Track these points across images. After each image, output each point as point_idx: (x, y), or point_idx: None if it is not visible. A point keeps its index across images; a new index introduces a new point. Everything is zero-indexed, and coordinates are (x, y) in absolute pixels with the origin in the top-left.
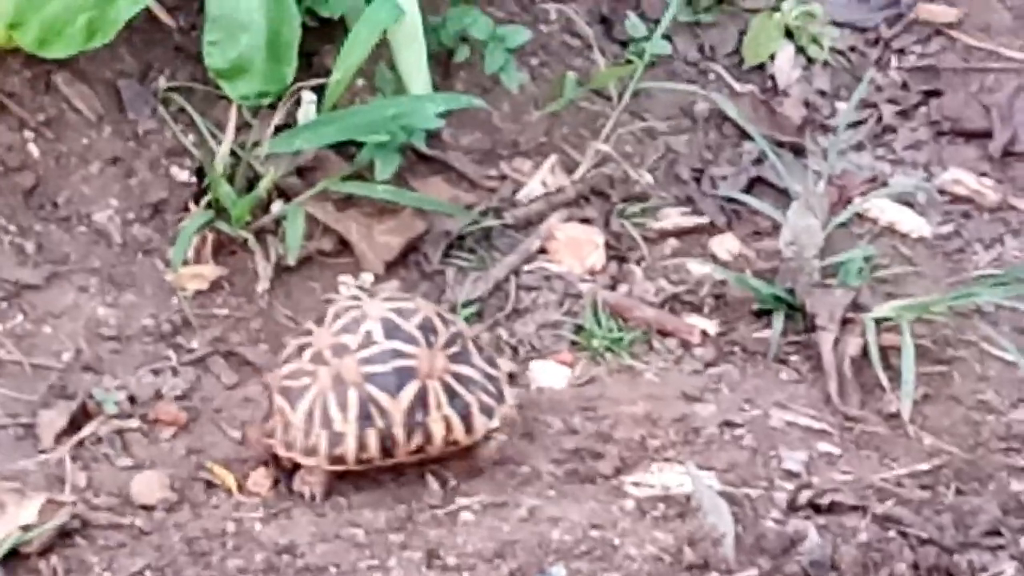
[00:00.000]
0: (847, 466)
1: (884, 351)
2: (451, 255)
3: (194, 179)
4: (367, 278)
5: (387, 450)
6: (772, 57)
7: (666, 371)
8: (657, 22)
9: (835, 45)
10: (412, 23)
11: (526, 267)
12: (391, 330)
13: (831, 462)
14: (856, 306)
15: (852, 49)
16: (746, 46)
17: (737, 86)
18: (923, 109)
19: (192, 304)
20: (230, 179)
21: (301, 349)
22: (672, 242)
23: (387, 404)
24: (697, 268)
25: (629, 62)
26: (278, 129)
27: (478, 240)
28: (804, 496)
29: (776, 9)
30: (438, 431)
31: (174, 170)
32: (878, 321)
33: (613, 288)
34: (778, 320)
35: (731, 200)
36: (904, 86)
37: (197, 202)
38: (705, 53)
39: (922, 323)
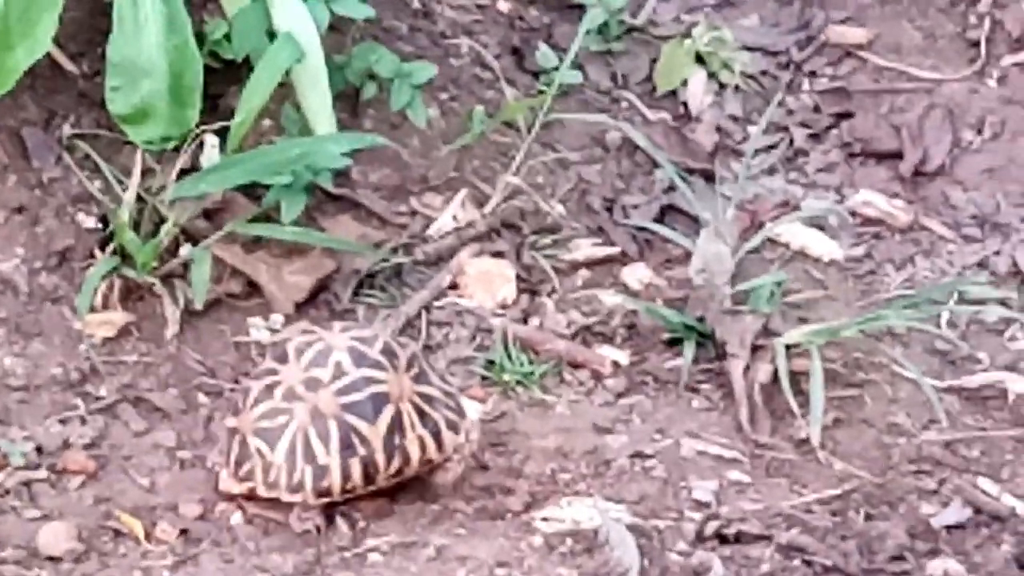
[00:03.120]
0: (757, 494)
1: (795, 376)
2: (361, 293)
3: (100, 226)
4: (277, 319)
5: (369, 477)
6: (684, 83)
7: (578, 403)
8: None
9: (746, 70)
10: (315, 63)
11: (437, 303)
12: (359, 359)
13: (741, 490)
14: (767, 332)
15: (764, 73)
16: (658, 73)
17: (649, 114)
18: (835, 131)
19: (100, 351)
20: (136, 224)
21: (270, 388)
22: (584, 273)
23: (367, 431)
24: (608, 299)
25: (541, 93)
26: (183, 173)
27: (389, 277)
28: (711, 527)
29: (687, 36)
30: (414, 452)
31: (80, 217)
32: (788, 347)
33: (525, 321)
34: (689, 349)
35: (643, 229)
36: (816, 109)
37: (104, 249)
38: (617, 81)
39: (833, 347)
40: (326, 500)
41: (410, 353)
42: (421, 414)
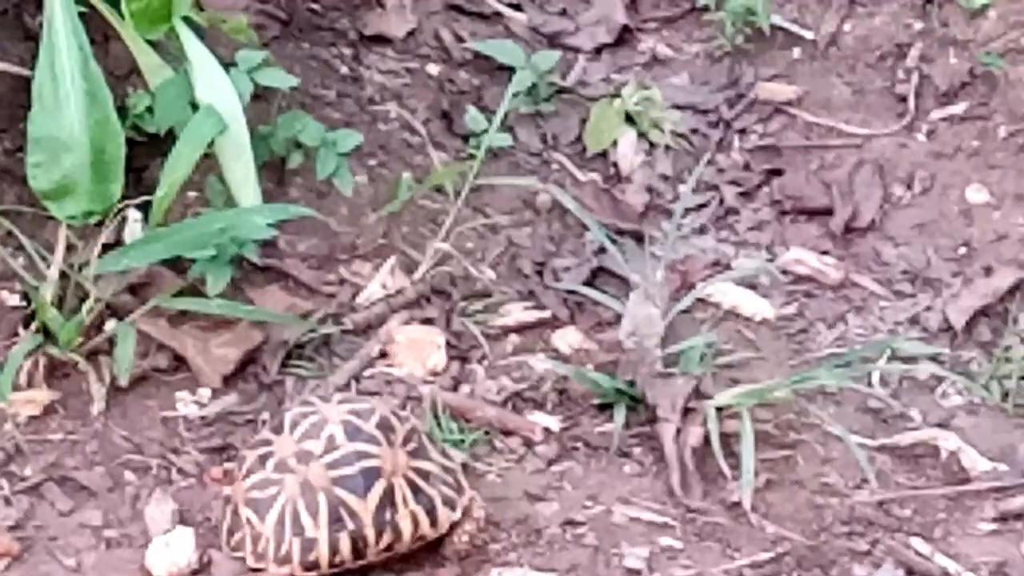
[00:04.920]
0: (688, 560)
1: (727, 438)
2: (290, 364)
3: (24, 303)
4: (205, 393)
5: (358, 552)
6: (614, 144)
7: (508, 471)
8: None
9: (676, 128)
10: (238, 134)
11: (366, 372)
12: (352, 432)
13: (672, 556)
14: (698, 394)
15: (694, 131)
16: (588, 134)
17: (580, 175)
18: (765, 189)
19: (25, 430)
20: (61, 301)
21: (263, 459)
22: (514, 338)
23: (356, 506)
24: (539, 364)
25: (471, 156)
26: (107, 248)
27: (317, 347)
28: None
29: (616, 96)
30: (406, 528)
31: (3, 295)
32: (720, 409)
33: (455, 389)
34: (619, 413)
35: (574, 292)
36: (746, 167)
37: (27, 326)
38: (547, 143)
39: (765, 408)
40: (314, 574)
41: (409, 427)
42: (415, 490)
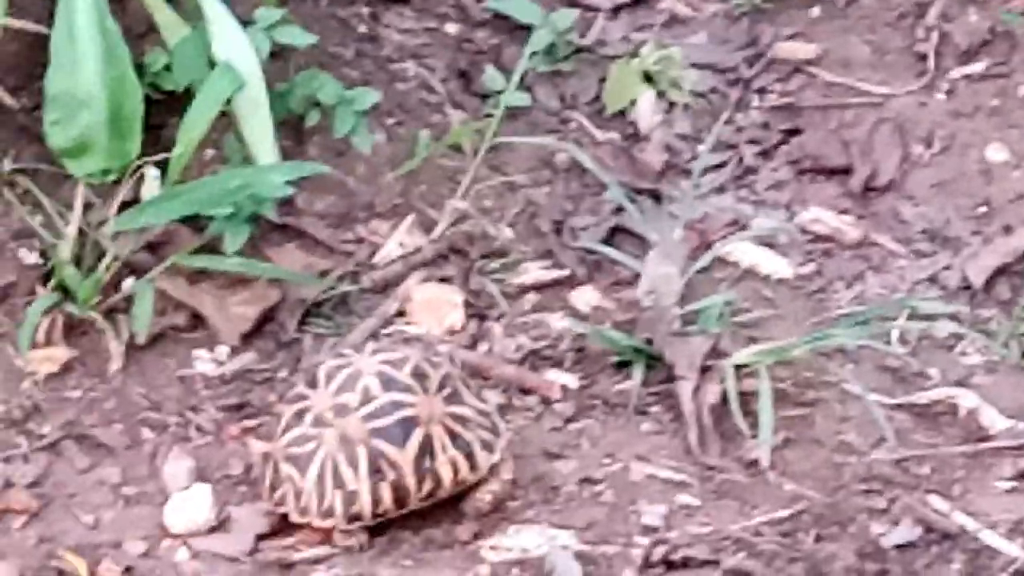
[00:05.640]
0: (706, 517)
1: (745, 397)
2: (308, 322)
3: (42, 261)
4: (223, 351)
5: (400, 500)
6: (633, 103)
7: (527, 429)
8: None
9: (695, 88)
10: (255, 92)
11: (384, 331)
12: (387, 383)
13: (690, 514)
14: (716, 353)
15: (713, 91)
16: (606, 93)
17: (598, 134)
18: (784, 148)
19: (43, 388)
20: (78, 259)
21: (300, 414)
22: (532, 297)
23: (396, 456)
24: (557, 323)
25: (490, 115)
26: (124, 206)
27: (335, 306)
28: (658, 552)
29: (635, 55)
30: (446, 474)
31: (22, 252)
32: (738, 367)
33: (473, 347)
34: (637, 371)
35: (592, 251)
36: (765, 126)
37: (45, 284)
38: (566, 102)
39: (783, 366)
40: (357, 524)
41: (443, 373)
42: (453, 436)
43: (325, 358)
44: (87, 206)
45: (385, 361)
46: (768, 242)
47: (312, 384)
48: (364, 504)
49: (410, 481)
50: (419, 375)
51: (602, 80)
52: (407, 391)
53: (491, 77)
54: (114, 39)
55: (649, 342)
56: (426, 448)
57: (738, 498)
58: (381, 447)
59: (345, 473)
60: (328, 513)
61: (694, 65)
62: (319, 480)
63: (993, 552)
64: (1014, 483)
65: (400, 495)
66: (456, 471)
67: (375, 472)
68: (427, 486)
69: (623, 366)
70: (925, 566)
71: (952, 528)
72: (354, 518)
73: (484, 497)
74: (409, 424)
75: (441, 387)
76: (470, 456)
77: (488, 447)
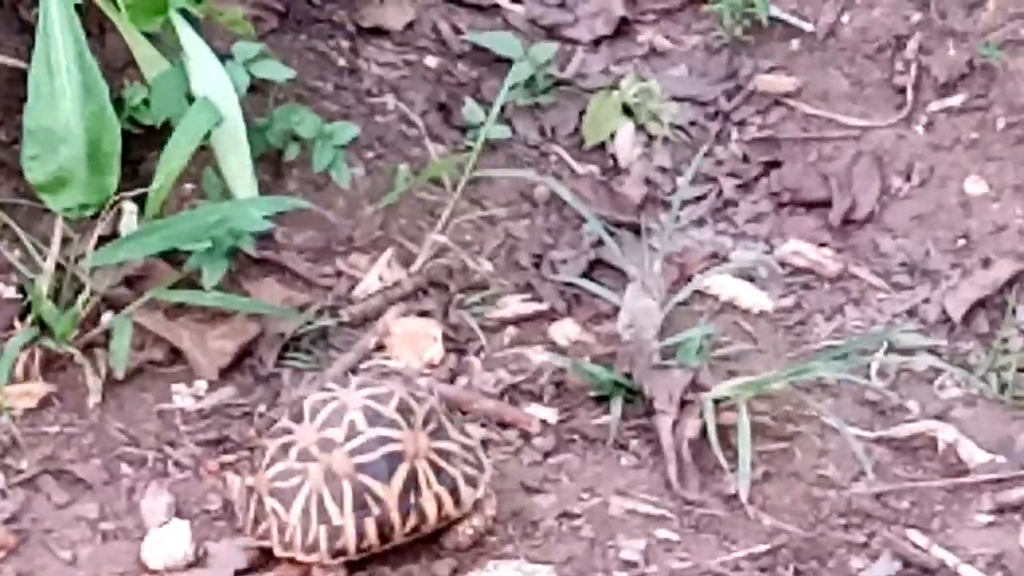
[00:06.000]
0: (685, 552)
1: (724, 431)
2: (287, 357)
3: (20, 295)
4: (201, 385)
5: (385, 536)
6: (613, 136)
7: (505, 463)
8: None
9: (675, 121)
10: (234, 126)
11: (363, 365)
12: (373, 417)
13: (669, 548)
14: (695, 386)
15: (692, 124)
16: (586, 126)
17: (578, 167)
18: (764, 181)
19: (21, 423)
20: (57, 293)
21: (285, 448)
22: (511, 331)
23: (381, 491)
24: (536, 356)
25: (469, 148)
26: (103, 240)
27: (314, 340)
28: None
29: (615, 88)
30: (431, 509)
31: None
32: (717, 401)
33: (452, 381)
34: (616, 405)
35: (571, 284)
36: (745, 158)
37: (23, 319)
38: (546, 135)
39: (762, 400)
40: (341, 560)
41: (428, 408)
42: (437, 471)
43: (310, 392)
44: (65, 241)
45: (370, 396)
46: (748, 275)
47: (297, 418)
48: (349, 539)
49: (395, 516)
50: (404, 410)
51: (582, 113)
52: (392, 426)
53: (471, 110)
54: (93, 74)
55: (628, 376)
56: (411, 483)
57: (717, 532)
58: (366, 482)
59: (330, 508)
60: (312, 548)
61: (674, 98)
62: (304, 514)
63: None
64: (993, 517)
65: (385, 530)
66: (440, 506)
67: (360, 507)
68: (412, 521)
69: (602, 400)
70: None
71: (931, 563)
72: (338, 553)
73: (465, 531)
74: (395, 459)
75: (426, 422)
76: (454, 491)
77: (472, 482)
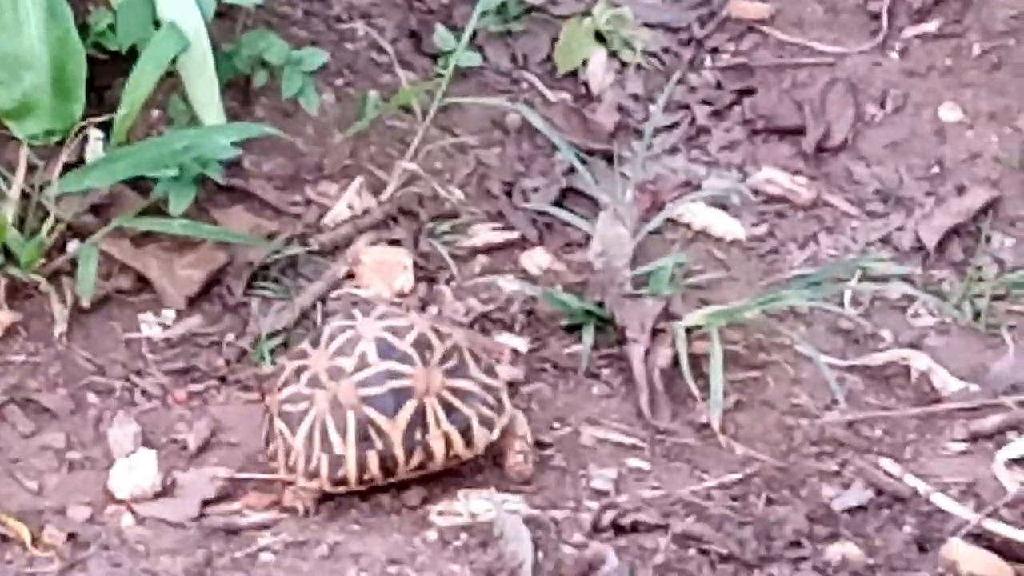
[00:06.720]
0: (656, 481)
1: (696, 359)
2: (255, 286)
3: None
4: (169, 315)
5: (388, 470)
6: (585, 63)
7: None
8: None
9: (648, 48)
10: (200, 52)
11: (333, 294)
12: (385, 350)
13: (640, 478)
14: (667, 315)
15: (665, 51)
16: (558, 53)
17: (550, 94)
18: (737, 108)
19: None
20: (21, 222)
21: (298, 372)
22: (482, 259)
23: (385, 426)
24: (507, 285)
25: (440, 75)
26: (68, 167)
27: (283, 269)
28: (607, 517)
29: (587, 14)
30: (438, 448)
31: None
32: (689, 330)
33: (422, 310)
34: (588, 334)
35: (543, 213)
36: (718, 86)
37: None
38: (517, 62)
39: (735, 328)
40: (343, 489)
41: (449, 345)
42: (450, 410)
43: (333, 319)
44: (30, 168)
45: (388, 328)
46: (720, 203)
47: (315, 343)
48: (350, 469)
49: (399, 452)
50: (421, 345)
51: (554, 40)
52: (405, 361)
53: (442, 37)
54: None
55: (600, 305)
56: (418, 420)
57: (689, 461)
58: (371, 415)
59: (333, 437)
60: (314, 474)
61: (646, 24)
62: (307, 440)
63: (945, 515)
64: (966, 445)
65: (388, 464)
66: (450, 446)
67: (363, 439)
68: (417, 458)
69: (574, 329)
70: (876, 529)
71: (904, 491)
72: (339, 482)
73: (520, 459)
74: (402, 394)
75: (445, 359)
76: (466, 432)
77: (488, 424)
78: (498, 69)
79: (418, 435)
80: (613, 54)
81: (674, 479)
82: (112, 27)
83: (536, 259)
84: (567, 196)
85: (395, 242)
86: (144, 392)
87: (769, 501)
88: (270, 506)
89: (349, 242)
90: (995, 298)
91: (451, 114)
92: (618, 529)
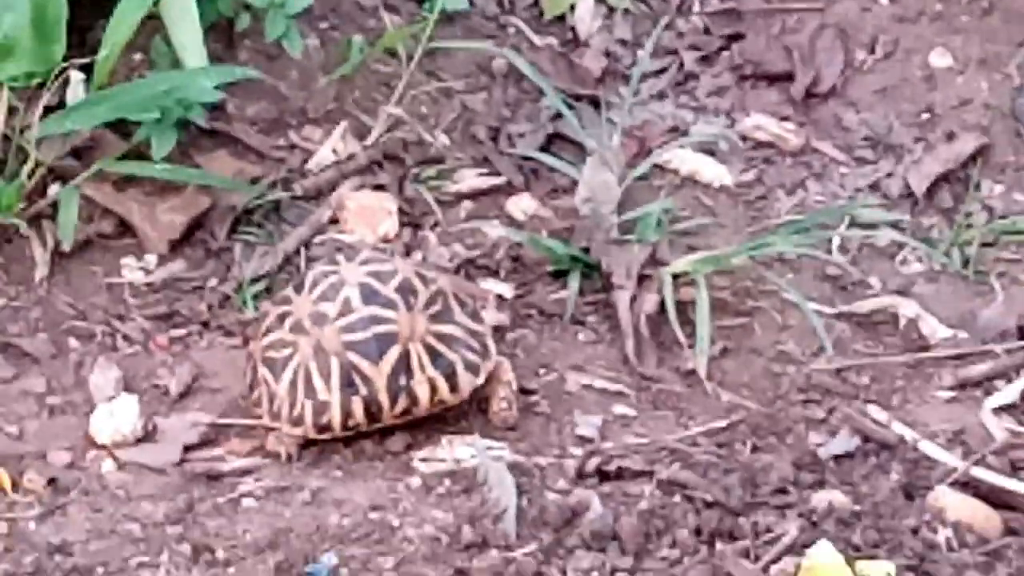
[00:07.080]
0: (642, 428)
1: (683, 306)
2: (239, 230)
3: None
4: (151, 259)
5: (373, 416)
6: (572, 8)
7: None
8: None
9: None
10: None
11: (316, 239)
12: (369, 295)
13: (626, 424)
14: (654, 261)
15: None
16: None
17: (536, 39)
18: (725, 54)
19: None
20: (2, 165)
21: (282, 318)
22: (468, 204)
23: (369, 371)
24: (492, 231)
25: (426, 19)
26: (49, 110)
27: (266, 213)
28: (592, 463)
29: None
30: (423, 393)
31: None
32: (675, 276)
33: (407, 255)
34: (574, 280)
35: (529, 158)
36: (706, 31)
37: None
38: (504, 6)
39: (722, 275)
40: (328, 435)
41: (434, 290)
42: (435, 355)
43: (316, 265)
44: (11, 111)
45: (371, 273)
46: (708, 149)
47: (298, 288)
48: (334, 416)
49: (383, 397)
50: (405, 290)
51: None
52: (388, 306)
53: None
54: None
55: (586, 251)
56: (403, 365)
57: (675, 408)
58: (355, 360)
59: (317, 383)
60: (298, 421)
61: None
62: (291, 387)
63: (932, 462)
64: (954, 393)
65: (373, 410)
66: (435, 391)
67: (347, 385)
68: (402, 404)
69: (560, 275)
70: (863, 476)
71: (890, 438)
72: (324, 428)
73: (502, 406)
74: (386, 340)
75: (429, 304)
76: (451, 377)
77: (472, 369)
78: (484, 13)
79: (403, 380)
80: None
81: (659, 426)
82: None
83: (522, 205)
84: (553, 142)
85: (380, 187)
86: (126, 337)
87: (755, 448)
88: (252, 452)
89: (333, 187)
90: (984, 245)
91: (437, 58)
92: (603, 476)
